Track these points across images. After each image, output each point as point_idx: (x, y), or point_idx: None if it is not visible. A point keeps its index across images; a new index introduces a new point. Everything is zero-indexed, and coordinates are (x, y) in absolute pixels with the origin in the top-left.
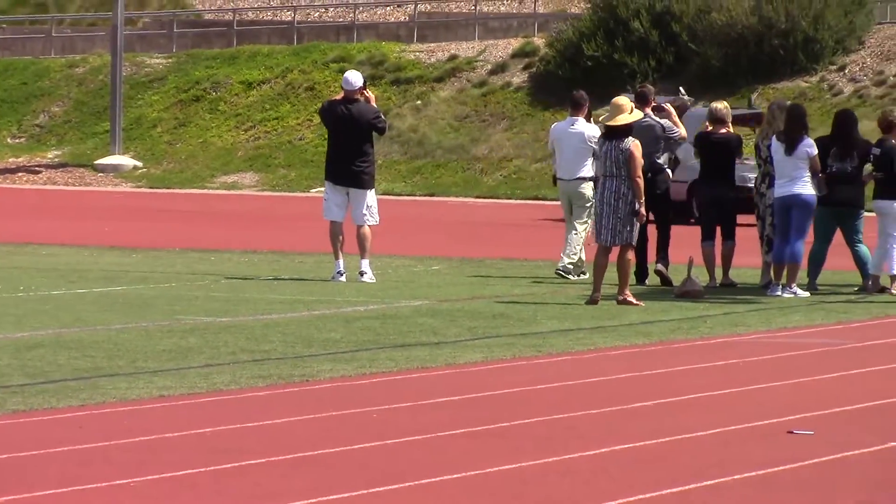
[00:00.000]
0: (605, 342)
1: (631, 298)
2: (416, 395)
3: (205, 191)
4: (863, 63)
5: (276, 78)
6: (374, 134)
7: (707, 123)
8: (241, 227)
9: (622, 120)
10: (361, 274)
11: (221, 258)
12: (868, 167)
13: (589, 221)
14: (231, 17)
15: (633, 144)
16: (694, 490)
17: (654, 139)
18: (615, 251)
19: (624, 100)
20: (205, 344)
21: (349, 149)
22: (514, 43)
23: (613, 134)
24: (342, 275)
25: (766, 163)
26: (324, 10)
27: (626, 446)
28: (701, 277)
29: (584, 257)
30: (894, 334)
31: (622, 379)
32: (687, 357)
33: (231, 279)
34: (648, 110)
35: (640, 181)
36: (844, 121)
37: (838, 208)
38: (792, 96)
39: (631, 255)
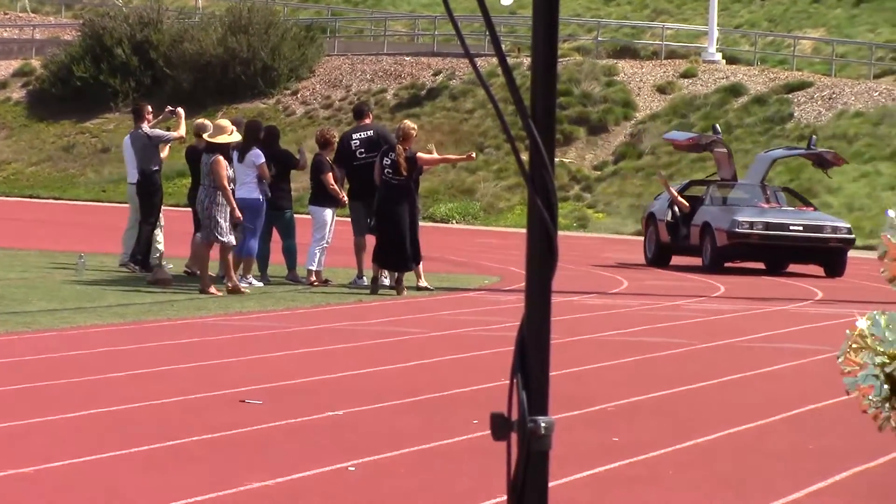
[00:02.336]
0: (86, 321)
1: (213, 290)
2: None
3: None
4: (313, 89)
5: None
6: None
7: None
8: None
9: (223, 139)
10: None
11: None
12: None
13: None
14: None
15: (215, 160)
16: (157, 449)
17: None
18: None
19: (226, 122)
20: None
21: None
22: (15, 64)
23: (212, 149)
24: None
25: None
26: None
27: (101, 410)
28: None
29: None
30: (332, 320)
31: (99, 353)
32: (156, 335)
33: None
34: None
35: (227, 190)
36: (270, 133)
37: (271, 210)
38: (252, 115)
39: (205, 252)
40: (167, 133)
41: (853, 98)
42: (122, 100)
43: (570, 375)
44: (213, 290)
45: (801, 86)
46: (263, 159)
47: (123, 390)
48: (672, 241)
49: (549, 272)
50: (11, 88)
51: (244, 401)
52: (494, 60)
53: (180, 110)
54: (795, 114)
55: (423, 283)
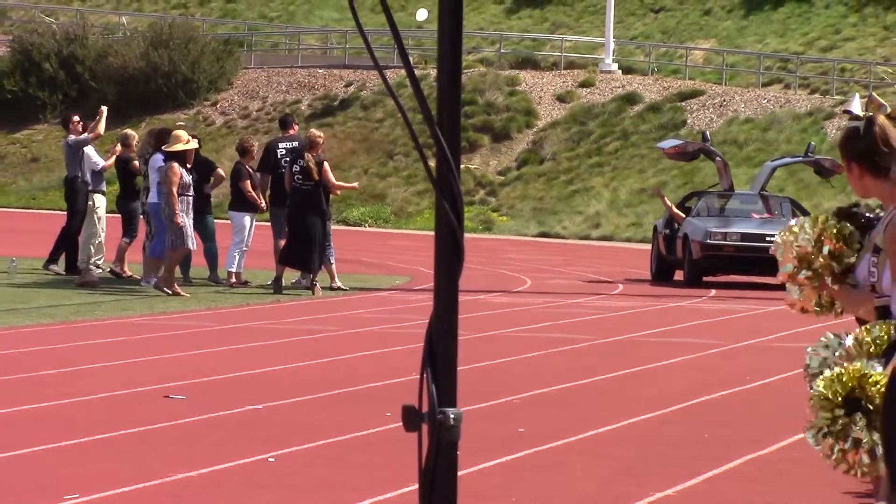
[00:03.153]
0: (18, 321)
1: (180, 291)
2: None
3: None
4: (231, 100)
5: None
6: None
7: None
8: None
9: (178, 147)
10: None
11: None
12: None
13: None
14: None
15: (169, 166)
16: (87, 443)
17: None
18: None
19: (181, 132)
20: None
21: None
22: None
23: (170, 157)
24: None
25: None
26: None
27: (32, 406)
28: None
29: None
30: (251, 319)
31: (30, 352)
32: (84, 335)
33: None
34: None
35: (173, 196)
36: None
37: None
38: (174, 125)
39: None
40: (82, 136)
41: (743, 105)
42: (50, 111)
43: (477, 370)
44: (180, 291)
45: (694, 94)
46: (161, 164)
47: (53, 386)
48: (668, 255)
49: (456, 272)
50: None
51: (168, 396)
52: (403, 72)
53: (103, 108)
54: (689, 121)
55: (336, 283)
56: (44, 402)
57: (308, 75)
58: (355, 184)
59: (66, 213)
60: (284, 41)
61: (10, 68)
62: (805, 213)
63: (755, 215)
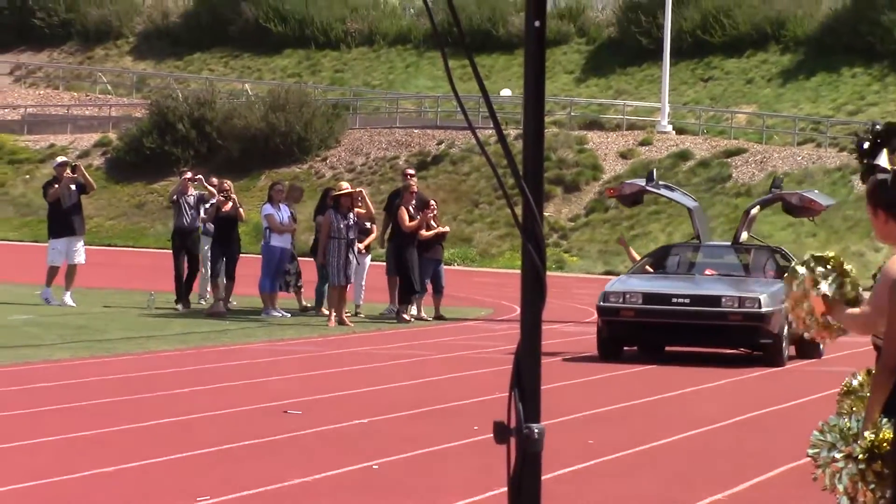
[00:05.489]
0: (156, 346)
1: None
2: (23, 381)
3: None
4: (339, 156)
5: None
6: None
7: None
8: None
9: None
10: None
11: None
12: None
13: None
14: None
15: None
16: (215, 452)
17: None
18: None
19: (344, 183)
20: None
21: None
22: (95, 136)
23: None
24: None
25: None
26: None
27: (168, 420)
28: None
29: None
30: (358, 345)
31: (166, 373)
32: (213, 358)
33: None
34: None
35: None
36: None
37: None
38: (289, 178)
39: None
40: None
41: (780, 161)
42: (182, 165)
43: (553, 390)
44: (346, 320)
45: (738, 151)
46: (267, 212)
47: (186, 403)
48: None
49: (540, 305)
50: (93, 156)
51: (286, 411)
52: (487, 132)
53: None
54: (733, 175)
55: (422, 314)
56: (177, 416)
57: (405, 134)
58: (445, 228)
59: (187, 256)
60: (385, 105)
61: (148, 128)
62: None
63: (708, 272)
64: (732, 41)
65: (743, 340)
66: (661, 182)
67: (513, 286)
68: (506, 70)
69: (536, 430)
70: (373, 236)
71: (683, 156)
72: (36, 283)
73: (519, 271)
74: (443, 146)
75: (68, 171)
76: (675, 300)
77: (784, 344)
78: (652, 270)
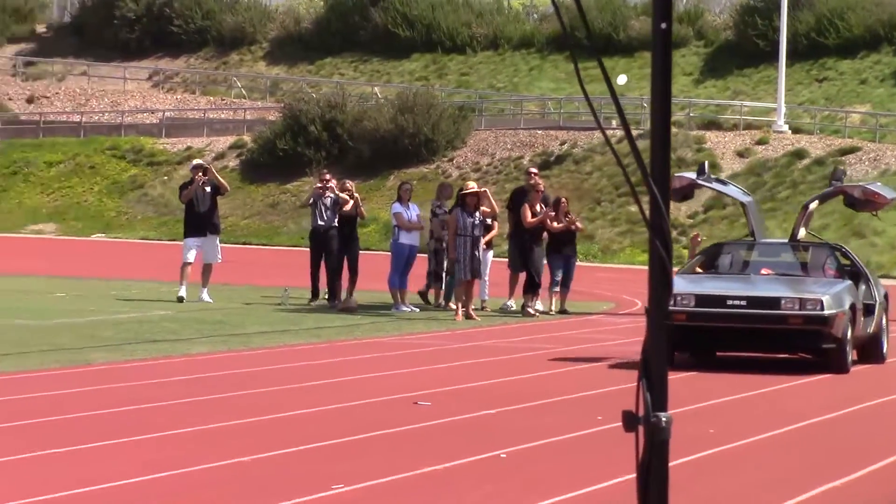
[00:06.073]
0: (290, 340)
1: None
2: (162, 375)
3: (20, 235)
4: (465, 156)
5: (68, 159)
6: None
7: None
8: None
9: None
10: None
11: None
12: None
13: None
14: (38, 118)
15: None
16: (348, 441)
17: None
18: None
19: (472, 182)
20: (19, 339)
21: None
22: (231, 139)
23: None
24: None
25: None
26: (101, 114)
27: (302, 412)
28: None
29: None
30: (484, 338)
31: (300, 366)
32: (345, 352)
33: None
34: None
35: (450, 238)
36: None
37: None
38: (417, 178)
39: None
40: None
41: (893, 159)
42: (315, 167)
43: (677, 380)
44: (472, 314)
45: (852, 150)
46: (396, 210)
47: (318, 395)
48: None
49: (666, 298)
50: (228, 158)
51: (416, 403)
52: (609, 132)
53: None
54: (848, 172)
55: (552, 307)
56: (311, 408)
57: (529, 135)
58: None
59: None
60: (509, 107)
61: (282, 130)
62: (857, 263)
63: (764, 271)
64: (846, 43)
65: (804, 345)
66: (712, 176)
67: (633, 281)
68: (626, 72)
69: (664, 419)
70: (494, 232)
71: (799, 154)
72: (173, 280)
73: (639, 267)
74: (565, 146)
75: (200, 173)
76: (730, 302)
77: (848, 348)
78: (702, 271)
